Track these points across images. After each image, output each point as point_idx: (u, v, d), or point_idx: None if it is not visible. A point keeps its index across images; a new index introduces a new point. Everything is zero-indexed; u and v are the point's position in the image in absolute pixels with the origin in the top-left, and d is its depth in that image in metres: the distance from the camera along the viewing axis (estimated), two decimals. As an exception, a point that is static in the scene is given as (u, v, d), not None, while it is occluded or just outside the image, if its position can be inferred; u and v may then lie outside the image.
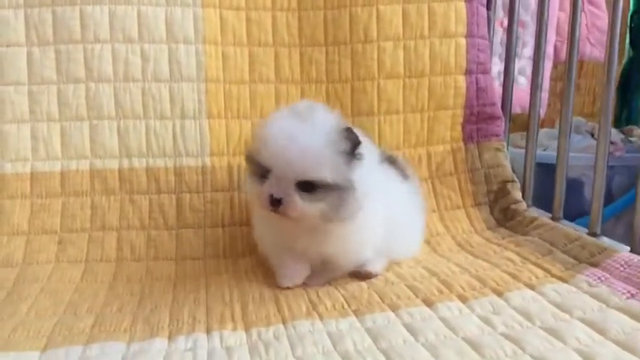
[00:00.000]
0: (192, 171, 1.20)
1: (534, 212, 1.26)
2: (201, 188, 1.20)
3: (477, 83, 1.31)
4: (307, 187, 0.87)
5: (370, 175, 0.92)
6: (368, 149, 0.93)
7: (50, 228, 1.15)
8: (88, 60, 1.19)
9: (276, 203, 0.87)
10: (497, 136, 1.33)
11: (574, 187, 1.64)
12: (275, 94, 1.26)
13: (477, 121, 1.32)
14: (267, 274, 1.05)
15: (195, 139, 1.21)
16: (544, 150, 1.77)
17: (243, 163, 1.21)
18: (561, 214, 1.23)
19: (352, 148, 0.88)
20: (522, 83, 1.62)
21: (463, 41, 1.30)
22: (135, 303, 0.94)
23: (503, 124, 1.35)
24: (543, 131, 1.81)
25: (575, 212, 1.45)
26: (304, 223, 0.91)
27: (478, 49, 1.32)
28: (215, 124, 1.22)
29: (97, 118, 1.19)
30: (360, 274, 1.01)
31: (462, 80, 1.30)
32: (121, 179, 1.19)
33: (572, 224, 1.19)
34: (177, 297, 0.96)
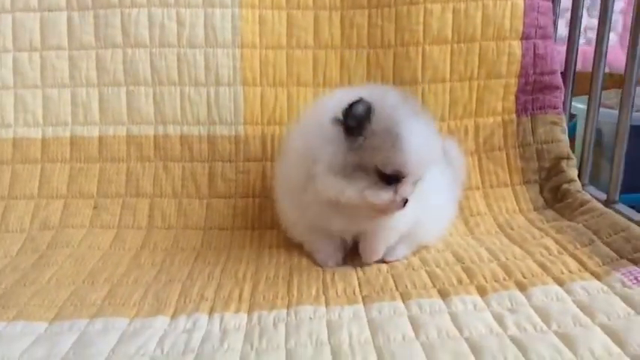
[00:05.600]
0: (225, 140, 1.19)
1: (588, 193, 1.15)
2: (233, 157, 1.18)
3: (534, 49, 1.20)
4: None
5: None
6: None
7: (87, 192, 1.17)
8: (125, 25, 1.18)
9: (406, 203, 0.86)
10: (555, 108, 1.21)
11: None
12: (313, 60, 1.20)
13: (533, 91, 1.21)
14: (291, 249, 1.03)
15: (229, 107, 1.19)
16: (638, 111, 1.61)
17: (277, 133, 1.19)
18: (617, 196, 1.12)
19: None
20: (612, 39, 1.46)
21: (521, 2, 1.19)
22: (152, 274, 0.95)
23: (562, 95, 1.22)
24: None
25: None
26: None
27: (538, 12, 1.20)
28: (250, 92, 1.19)
29: (133, 84, 1.19)
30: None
31: (517, 46, 1.19)
32: (156, 146, 1.19)
33: (628, 209, 1.08)
34: (193, 271, 0.96)
